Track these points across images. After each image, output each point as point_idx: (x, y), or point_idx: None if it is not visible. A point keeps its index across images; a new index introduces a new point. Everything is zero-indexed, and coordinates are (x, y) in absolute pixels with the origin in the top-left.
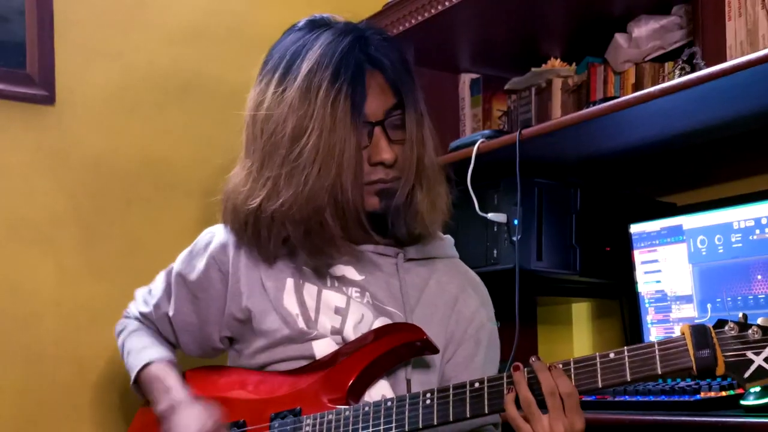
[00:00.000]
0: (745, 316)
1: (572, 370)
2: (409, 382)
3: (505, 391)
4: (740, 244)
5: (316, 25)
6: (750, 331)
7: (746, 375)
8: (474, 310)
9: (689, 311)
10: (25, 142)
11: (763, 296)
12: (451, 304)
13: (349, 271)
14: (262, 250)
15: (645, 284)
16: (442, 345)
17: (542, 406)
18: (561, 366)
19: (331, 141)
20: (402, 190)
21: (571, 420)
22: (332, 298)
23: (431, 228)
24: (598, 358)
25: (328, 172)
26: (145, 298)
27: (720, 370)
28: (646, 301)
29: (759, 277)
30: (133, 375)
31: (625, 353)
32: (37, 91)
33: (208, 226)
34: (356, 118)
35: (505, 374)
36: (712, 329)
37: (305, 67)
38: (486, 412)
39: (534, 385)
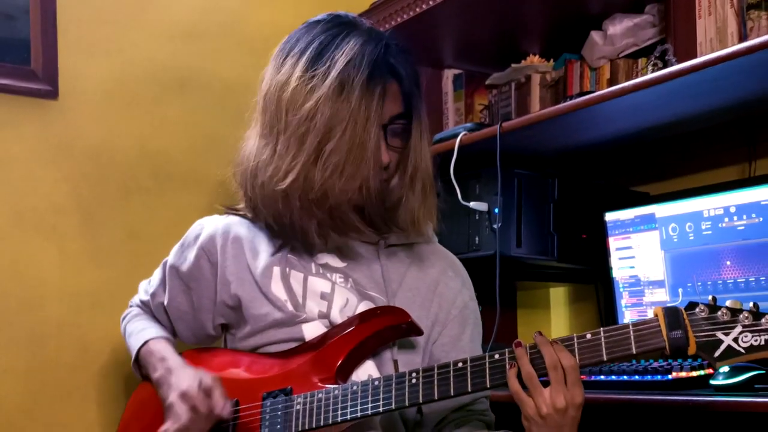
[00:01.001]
0: (714, 299)
1: None
2: (396, 362)
3: (508, 367)
4: (710, 232)
5: (342, 22)
6: (719, 313)
7: (716, 354)
8: (456, 291)
9: (661, 295)
10: (30, 135)
11: (732, 281)
12: (433, 287)
13: (332, 259)
14: (282, 231)
15: (619, 270)
16: (427, 327)
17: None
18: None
19: (363, 138)
20: (389, 192)
21: (573, 392)
22: (318, 284)
23: (424, 231)
24: (575, 339)
25: (357, 166)
26: (145, 288)
27: (692, 349)
28: (621, 285)
29: (728, 263)
30: (133, 354)
31: (602, 334)
32: (41, 86)
33: (204, 213)
34: (381, 120)
35: (487, 354)
36: (683, 311)
37: (341, 62)
38: (469, 390)
39: (535, 360)
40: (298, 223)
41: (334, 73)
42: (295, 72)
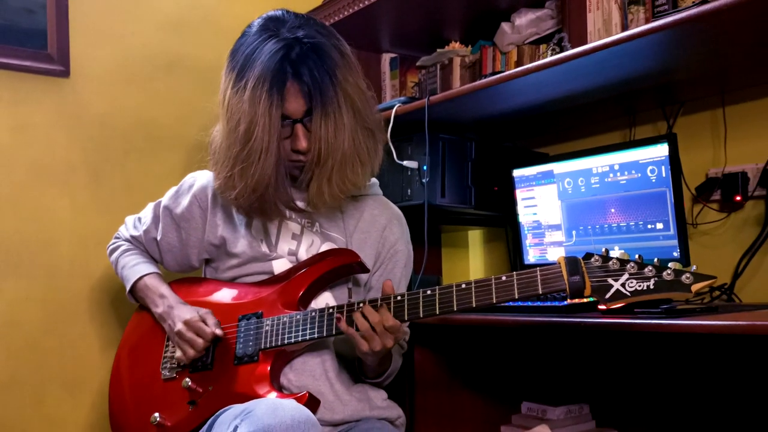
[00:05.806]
0: (607, 251)
1: (473, 288)
2: (350, 290)
3: (336, 320)
4: (598, 185)
5: (265, 29)
6: (611, 263)
7: (607, 296)
8: (397, 237)
9: (558, 237)
10: (47, 107)
11: (616, 225)
12: (380, 231)
13: (304, 206)
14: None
15: (525, 216)
16: (372, 263)
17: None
18: (463, 285)
19: (268, 141)
20: (305, 169)
21: (384, 341)
22: (291, 226)
23: (340, 194)
24: (493, 280)
25: (268, 163)
26: (135, 224)
27: (587, 292)
28: (526, 228)
29: (612, 210)
30: (129, 285)
31: (514, 277)
32: (56, 67)
33: (188, 171)
34: (282, 121)
35: (420, 290)
36: (581, 260)
37: (251, 81)
38: (406, 318)
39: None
40: (235, 204)
41: (247, 92)
42: (228, 87)
